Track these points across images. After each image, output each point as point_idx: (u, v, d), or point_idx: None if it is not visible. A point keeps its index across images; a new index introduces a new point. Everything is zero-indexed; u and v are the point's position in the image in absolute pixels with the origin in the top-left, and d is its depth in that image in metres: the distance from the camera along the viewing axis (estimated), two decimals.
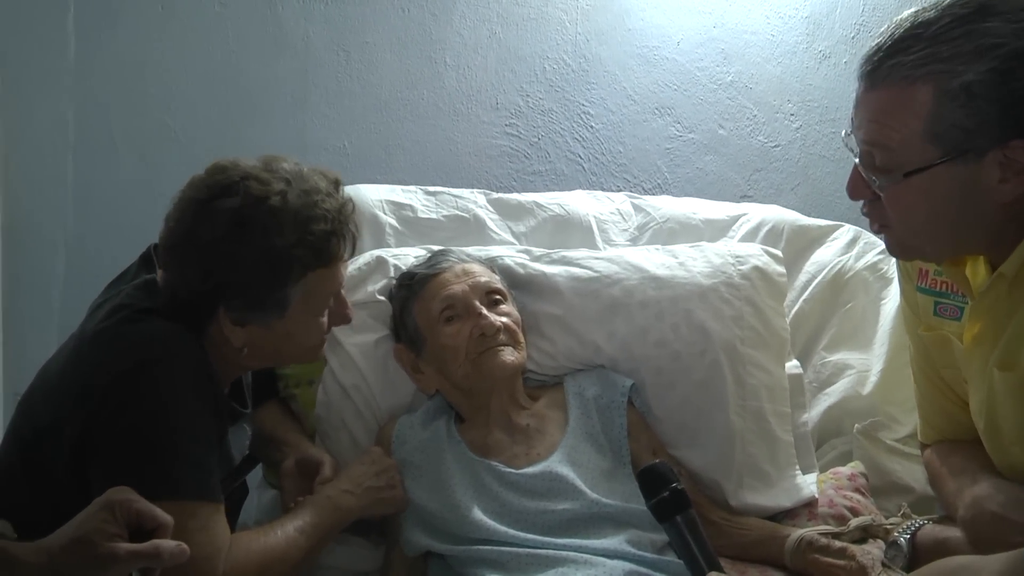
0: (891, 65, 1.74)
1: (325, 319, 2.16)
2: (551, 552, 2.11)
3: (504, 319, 2.39)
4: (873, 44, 1.78)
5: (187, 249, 2.04)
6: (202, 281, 2.03)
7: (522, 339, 2.43)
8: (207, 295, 2.04)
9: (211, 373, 2.04)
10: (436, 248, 2.63)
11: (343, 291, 2.20)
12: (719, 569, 1.85)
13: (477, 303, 2.39)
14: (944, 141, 1.72)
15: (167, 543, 1.55)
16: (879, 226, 1.89)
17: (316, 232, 2.04)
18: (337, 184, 2.14)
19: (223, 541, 1.97)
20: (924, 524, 2.15)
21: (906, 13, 1.76)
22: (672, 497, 1.89)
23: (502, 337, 2.37)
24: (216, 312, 2.05)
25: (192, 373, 1.99)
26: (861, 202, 1.91)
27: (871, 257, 2.76)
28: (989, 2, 1.69)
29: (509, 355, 2.37)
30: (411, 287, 2.47)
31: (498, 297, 2.45)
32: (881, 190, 1.81)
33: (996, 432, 1.94)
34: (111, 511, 1.55)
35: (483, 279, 2.45)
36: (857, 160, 1.85)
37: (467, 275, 2.45)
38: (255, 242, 2.00)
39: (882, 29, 1.78)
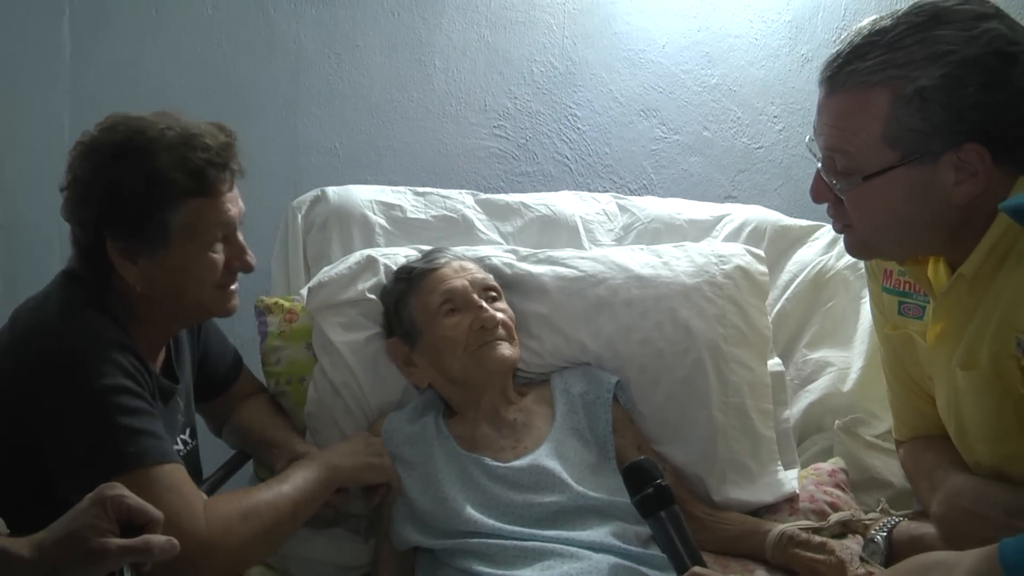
0: (849, 71, 1.78)
1: (218, 256, 2.15)
2: (537, 544, 2.13)
3: (501, 315, 2.43)
4: (833, 51, 1.82)
5: (74, 187, 2.09)
6: (87, 213, 2.08)
7: (516, 335, 2.46)
8: (95, 230, 2.08)
9: (138, 354, 2.07)
10: (426, 248, 2.66)
11: (240, 236, 2.20)
12: (702, 564, 1.86)
13: (476, 297, 2.42)
14: (901, 145, 1.76)
15: (158, 538, 1.56)
16: (842, 226, 1.93)
17: (192, 158, 2.07)
18: (224, 129, 2.18)
19: (195, 496, 1.99)
20: (900, 520, 2.19)
21: (864, 21, 1.81)
22: (656, 493, 1.91)
23: (500, 332, 2.40)
24: (106, 250, 2.08)
25: (118, 357, 2.01)
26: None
27: (851, 256, 2.78)
28: (942, 11, 1.74)
29: (507, 349, 2.39)
30: (409, 280, 2.49)
31: (494, 294, 2.47)
32: (842, 193, 1.85)
33: (961, 430, 1.97)
34: (103, 507, 1.56)
35: (480, 275, 2.48)
36: (819, 165, 1.88)
37: (465, 271, 2.47)
38: (132, 168, 2.04)
39: (842, 37, 1.83)
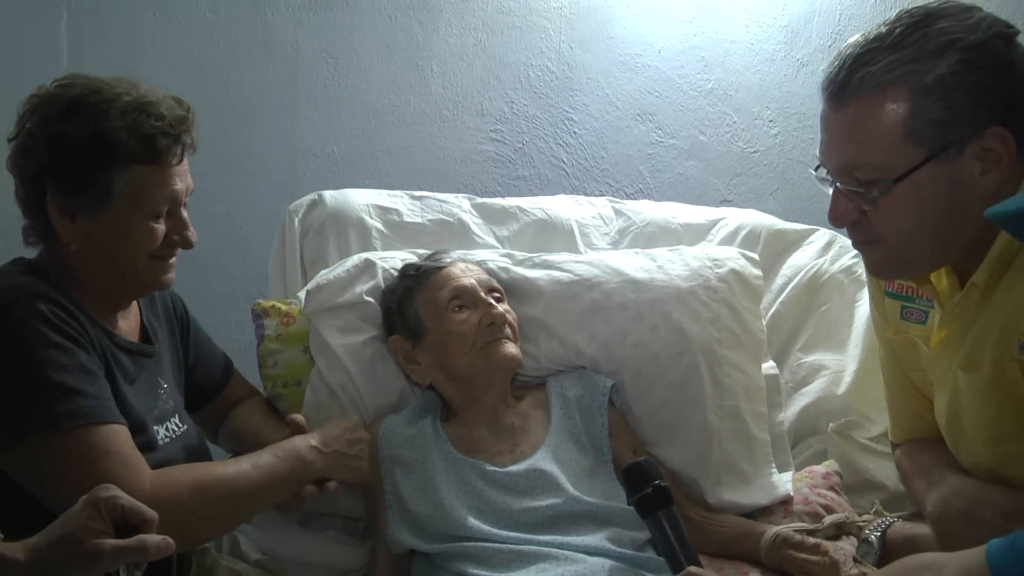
0: (860, 77, 1.77)
1: (159, 227, 2.11)
2: (533, 548, 2.14)
3: (507, 315, 2.46)
4: (831, 70, 1.82)
5: (22, 139, 2.08)
6: (31, 166, 2.05)
7: (519, 337, 2.49)
8: (36, 182, 2.05)
9: (68, 308, 2.01)
10: (424, 251, 2.67)
11: (184, 212, 2.16)
12: (698, 564, 1.89)
13: (484, 295, 2.44)
14: (926, 140, 1.75)
15: (153, 538, 1.56)
16: (864, 241, 1.91)
17: (144, 124, 2.04)
18: (182, 103, 2.15)
19: (137, 460, 1.95)
20: (895, 521, 2.19)
21: (853, 37, 1.82)
22: (655, 493, 1.92)
23: (507, 332, 2.43)
24: (46, 206, 2.05)
25: (42, 309, 1.96)
26: None
27: (846, 260, 2.79)
28: (933, 10, 1.77)
29: (512, 348, 2.42)
30: (416, 277, 2.51)
31: (498, 295, 2.50)
32: (872, 204, 1.82)
33: (960, 432, 1.98)
34: (96, 508, 1.56)
35: (484, 277, 2.51)
36: (837, 185, 1.86)
37: (471, 271, 2.51)
38: (82, 125, 2.02)
39: (831, 59, 1.84)
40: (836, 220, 1.90)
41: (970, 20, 1.75)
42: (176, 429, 2.25)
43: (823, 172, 1.89)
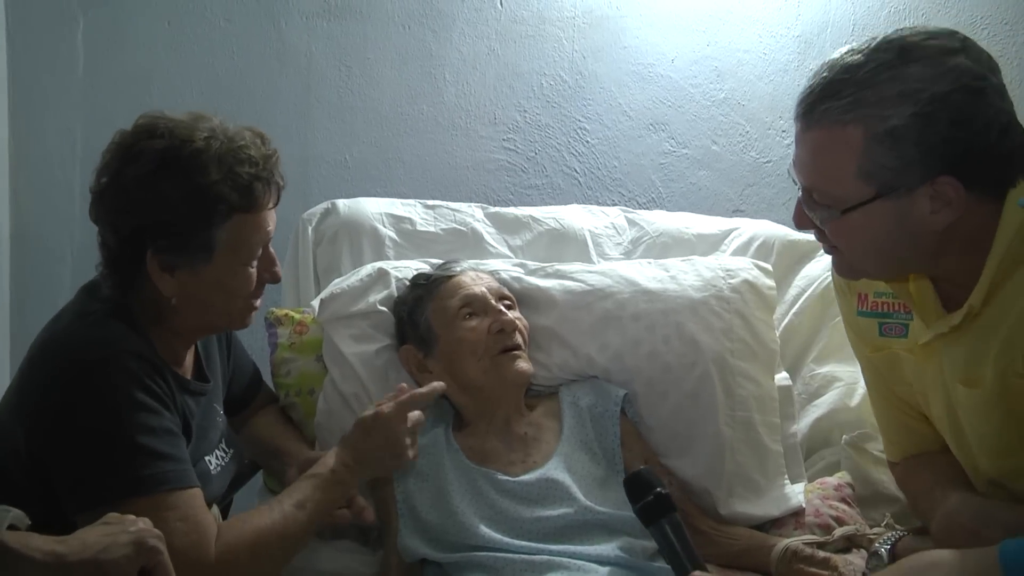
0: (823, 109, 1.79)
1: (254, 271, 2.10)
2: (545, 558, 2.14)
3: (518, 322, 2.46)
4: (806, 85, 1.83)
5: (114, 192, 2.02)
6: (128, 223, 2.00)
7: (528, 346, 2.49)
8: (133, 239, 2.00)
9: (155, 363, 2.01)
10: (437, 261, 2.69)
11: (271, 248, 2.15)
12: (703, 569, 1.88)
13: (495, 302, 2.45)
14: (876, 179, 1.78)
15: None
16: (830, 248, 1.95)
17: (241, 174, 2.01)
18: (263, 137, 2.12)
19: (209, 525, 1.96)
20: (905, 534, 2.18)
21: (837, 53, 1.82)
22: (656, 501, 1.92)
23: (518, 339, 2.44)
24: (143, 261, 2.01)
25: (133, 367, 1.95)
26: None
27: (841, 277, 2.79)
28: (911, 47, 1.76)
29: (524, 363, 2.43)
30: (427, 287, 2.52)
31: (508, 303, 2.51)
32: (824, 225, 1.87)
33: (962, 443, 1.98)
34: (139, 552, 1.59)
35: (495, 285, 2.53)
36: (799, 194, 1.90)
37: (481, 279, 2.52)
38: (180, 180, 1.97)
39: (815, 69, 1.84)
40: (797, 224, 1.95)
41: (942, 68, 1.74)
42: (224, 455, 2.26)
43: (795, 175, 1.92)
